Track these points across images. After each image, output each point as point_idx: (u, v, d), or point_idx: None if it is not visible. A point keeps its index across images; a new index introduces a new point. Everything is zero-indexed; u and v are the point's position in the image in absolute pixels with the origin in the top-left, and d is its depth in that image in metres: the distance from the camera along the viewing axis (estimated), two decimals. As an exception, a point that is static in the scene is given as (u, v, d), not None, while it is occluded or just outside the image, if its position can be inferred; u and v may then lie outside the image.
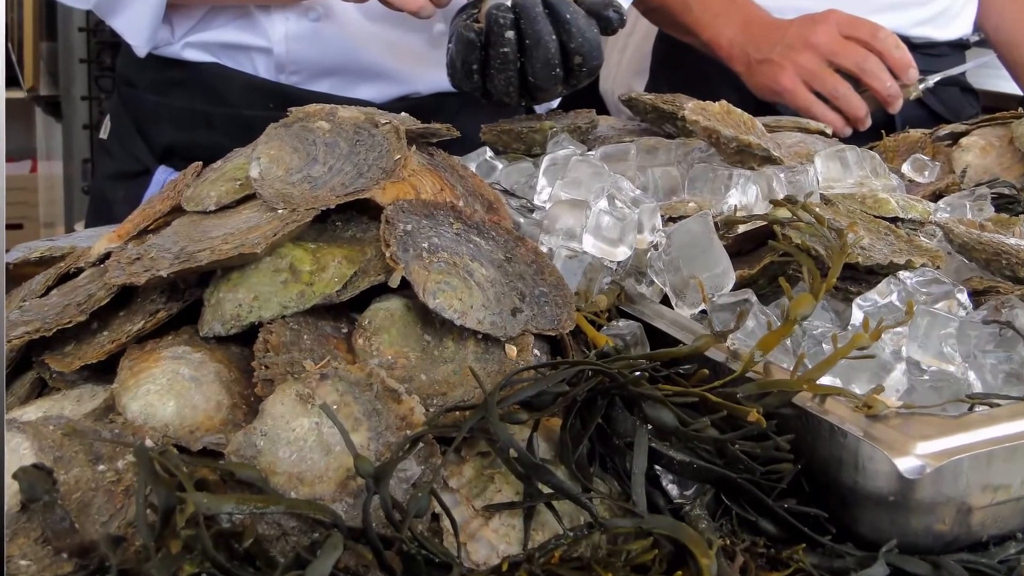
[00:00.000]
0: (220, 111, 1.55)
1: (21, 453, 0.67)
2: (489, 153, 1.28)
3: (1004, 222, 1.06)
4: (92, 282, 0.84)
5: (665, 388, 0.73)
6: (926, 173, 1.28)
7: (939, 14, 1.90)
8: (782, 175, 1.09)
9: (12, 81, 3.81)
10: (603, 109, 2.07)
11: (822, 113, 1.64)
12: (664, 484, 0.73)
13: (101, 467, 0.67)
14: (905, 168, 1.29)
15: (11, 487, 0.62)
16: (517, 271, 0.83)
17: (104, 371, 0.78)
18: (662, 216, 1.01)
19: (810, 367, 0.74)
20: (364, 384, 0.71)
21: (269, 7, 1.52)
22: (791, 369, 0.74)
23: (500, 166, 1.26)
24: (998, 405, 0.74)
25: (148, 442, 0.68)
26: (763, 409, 0.71)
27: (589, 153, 1.21)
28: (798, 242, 0.89)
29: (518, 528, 0.67)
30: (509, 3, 1.28)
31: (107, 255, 0.88)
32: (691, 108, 1.20)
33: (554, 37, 1.27)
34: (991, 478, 0.69)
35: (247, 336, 0.77)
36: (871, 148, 1.36)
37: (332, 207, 0.83)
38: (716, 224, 0.96)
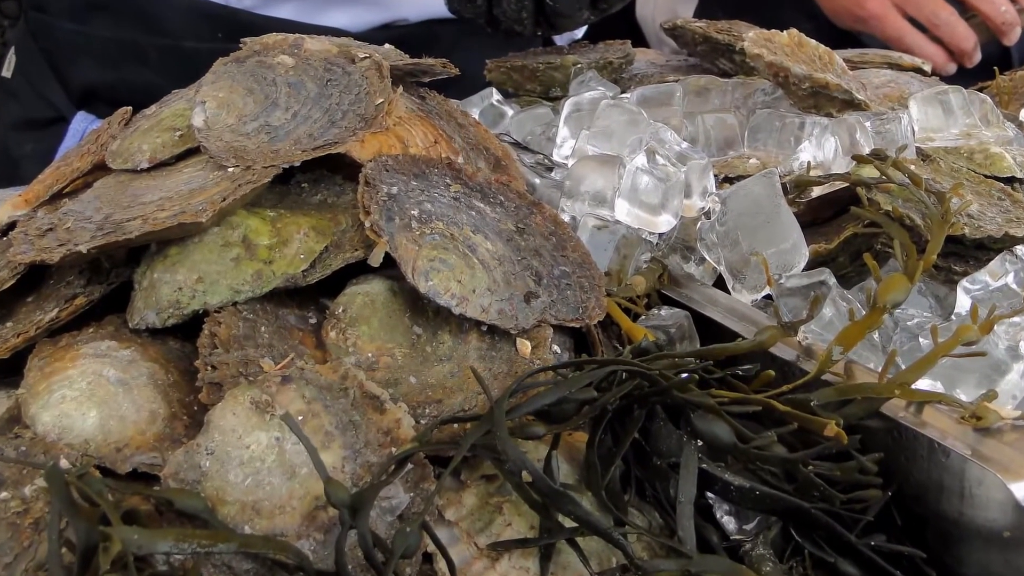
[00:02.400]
0: (155, 42, 1.55)
1: (-96, 476, 0.67)
2: (496, 96, 1.28)
3: None
4: (-7, 259, 0.84)
5: (719, 394, 0.73)
6: (1051, 121, 1.28)
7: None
8: (868, 124, 1.08)
9: None
10: (640, 40, 2.06)
11: (918, 45, 1.63)
12: (718, 516, 0.73)
13: (4, 494, 0.67)
14: (1023, 115, 1.29)
15: None
16: (531, 245, 0.83)
17: (8, 372, 0.78)
18: (716, 176, 1.01)
19: (903, 368, 0.74)
20: (337, 389, 0.71)
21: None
22: (879, 370, 0.74)
23: (510, 112, 1.26)
24: None
25: (64, 462, 0.68)
26: (844, 421, 0.71)
27: (623, 96, 1.21)
28: (888, 209, 0.89)
29: (532, 571, 0.67)
30: None
31: (12, 225, 0.88)
32: (752, 39, 1.19)
33: (578, -52, 1.27)
34: None
35: (189, 328, 0.77)
36: (980, 89, 1.35)
37: (297, 164, 0.83)
38: (784, 186, 0.96)
